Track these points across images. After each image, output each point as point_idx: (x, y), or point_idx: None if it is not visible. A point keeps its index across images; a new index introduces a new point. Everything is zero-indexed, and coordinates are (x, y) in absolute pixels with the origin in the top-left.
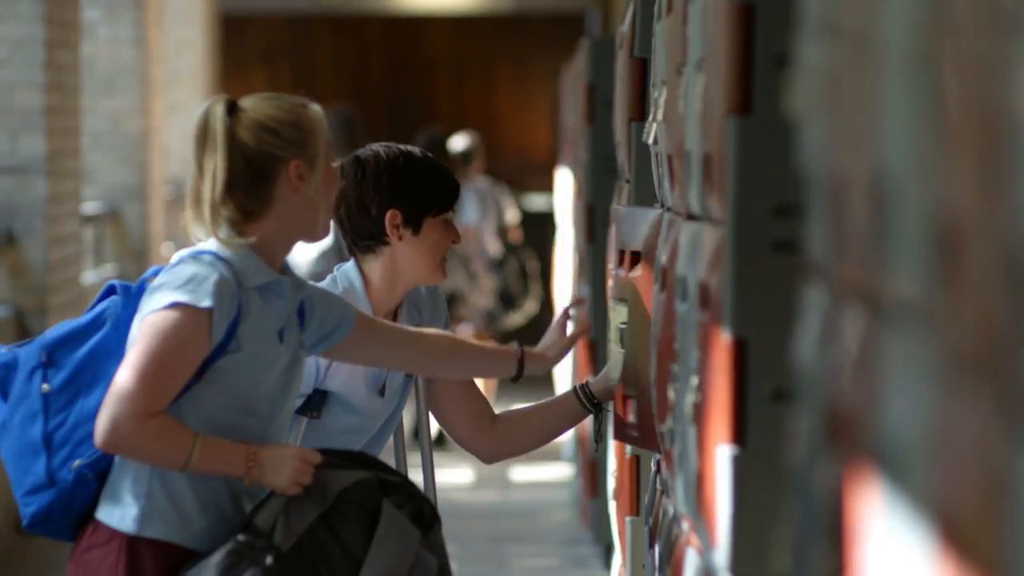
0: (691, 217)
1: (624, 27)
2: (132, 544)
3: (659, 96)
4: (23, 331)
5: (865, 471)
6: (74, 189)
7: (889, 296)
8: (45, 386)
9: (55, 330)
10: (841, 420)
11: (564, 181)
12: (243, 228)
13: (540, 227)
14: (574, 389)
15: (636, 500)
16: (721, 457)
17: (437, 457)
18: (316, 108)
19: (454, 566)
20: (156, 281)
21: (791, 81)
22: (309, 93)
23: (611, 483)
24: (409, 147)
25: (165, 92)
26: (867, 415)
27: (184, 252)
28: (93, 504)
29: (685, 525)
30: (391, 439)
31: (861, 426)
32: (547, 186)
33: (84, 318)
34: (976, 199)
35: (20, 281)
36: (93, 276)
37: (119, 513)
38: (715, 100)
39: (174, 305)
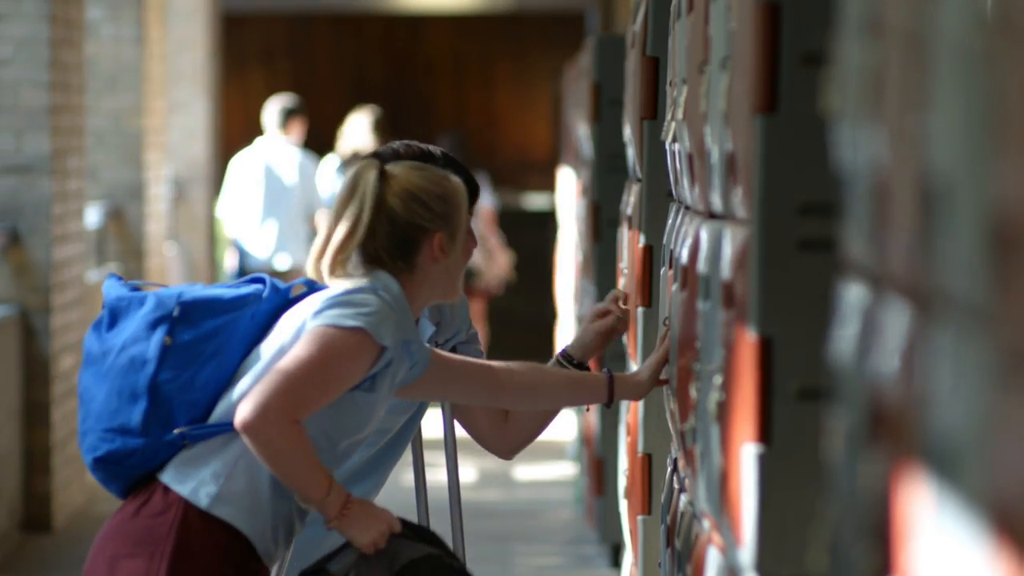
0: (713, 216)
1: (636, 26)
2: (192, 517)
3: (678, 95)
4: (28, 330)
5: (914, 470)
6: (79, 188)
7: (939, 294)
8: (168, 338)
9: (195, 290)
10: (886, 419)
11: (567, 180)
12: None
13: (540, 226)
14: (556, 361)
15: (648, 499)
16: (747, 456)
17: (440, 456)
18: (457, 180)
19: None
20: (331, 296)
21: (828, 79)
22: (308, 92)
23: (622, 482)
24: (432, 149)
25: (166, 91)
26: (916, 414)
27: (360, 282)
28: (159, 468)
29: (706, 523)
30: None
31: (909, 425)
32: (547, 185)
33: (227, 292)
34: None
35: (25, 280)
36: (96, 275)
37: (193, 485)
38: (740, 99)
39: (358, 330)
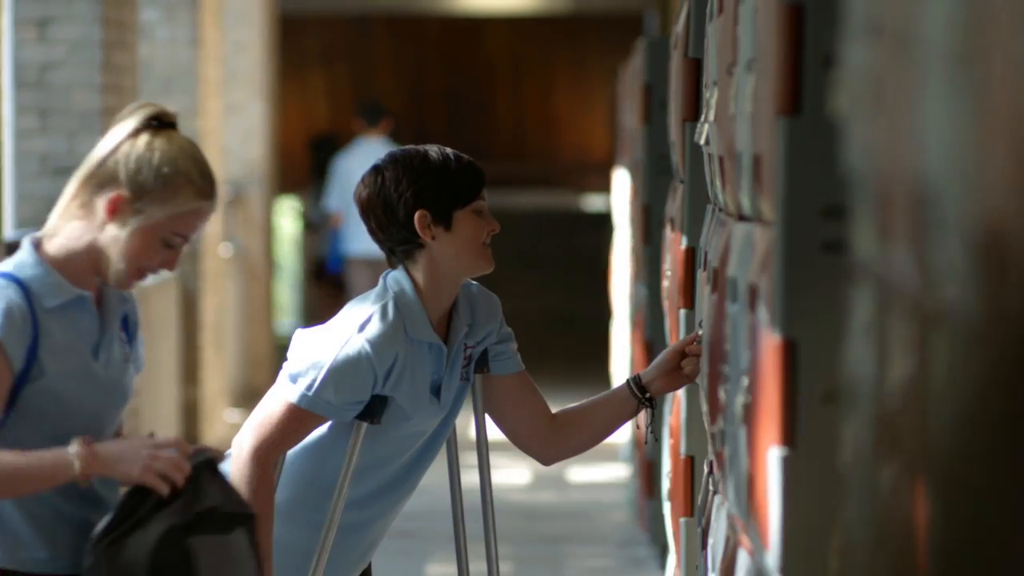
0: (742, 218)
1: (678, 27)
2: None
3: (711, 97)
4: None
5: (914, 475)
6: None
7: (933, 299)
8: None
9: None
10: (890, 423)
11: (622, 182)
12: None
13: (598, 228)
14: (627, 382)
15: (690, 501)
16: (771, 459)
17: (494, 457)
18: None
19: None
20: None
21: (836, 81)
22: (368, 94)
23: (665, 484)
24: (426, 146)
25: (222, 93)
26: (914, 418)
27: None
28: None
29: (737, 526)
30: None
31: (909, 429)
32: (605, 187)
33: None
34: (1019, 201)
35: None
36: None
37: None
38: (765, 101)
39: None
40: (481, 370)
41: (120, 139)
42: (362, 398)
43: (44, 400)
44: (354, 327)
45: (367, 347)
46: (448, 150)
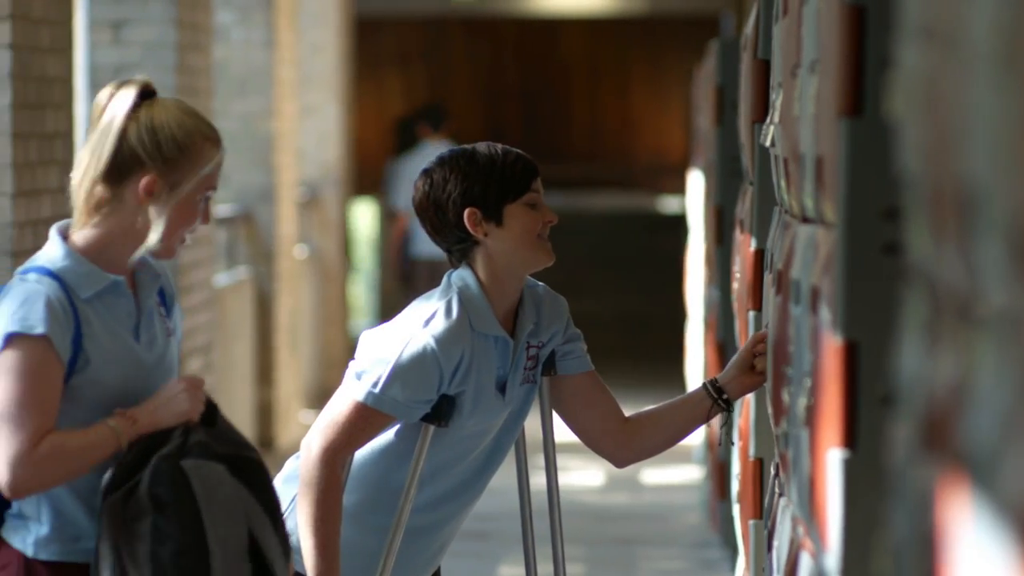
0: (806, 220)
1: (748, 29)
2: (30, 566)
3: (776, 98)
4: None
5: (955, 477)
6: None
7: (979, 301)
8: None
9: None
10: (935, 425)
11: (696, 183)
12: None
13: (674, 229)
14: (704, 385)
15: (759, 503)
16: (832, 461)
17: (568, 459)
18: (198, 128)
19: (583, 568)
20: None
21: (892, 83)
22: (443, 95)
23: (735, 486)
24: (475, 144)
25: (297, 94)
26: (958, 420)
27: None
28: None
29: (800, 528)
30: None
31: (952, 431)
32: (681, 188)
33: None
34: None
35: None
36: (226, 278)
37: (20, 536)
38: (827, 102)
39: (10, 338)
40: (548, 372)
41: (120, 125)
42: (429, 396)
43: (91, 388)
44: (419, 323)
45: (432, 343)
46: (497, 146)
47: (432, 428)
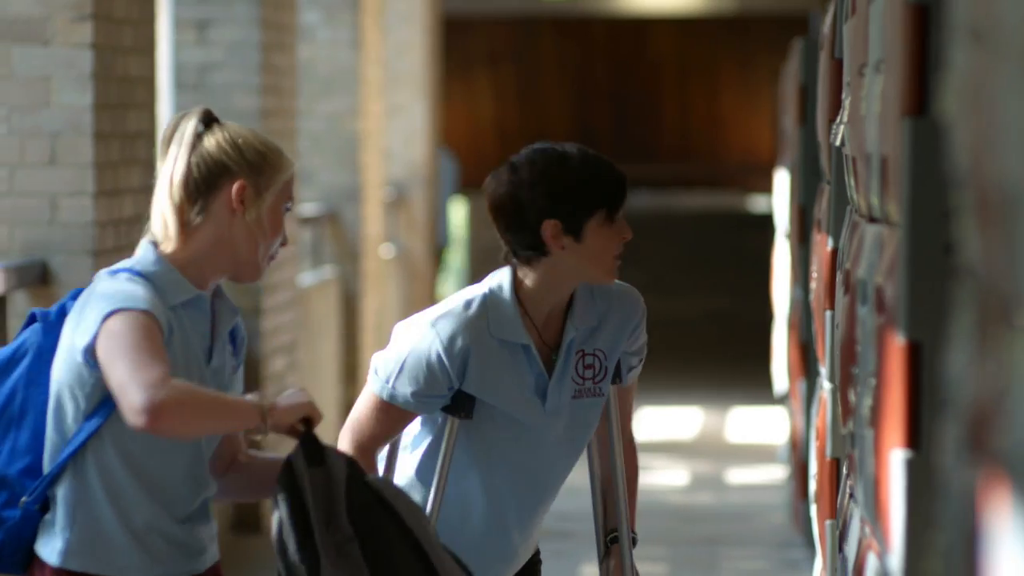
0: (872, 219)
1: (825, 28)
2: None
3: (846, 98)
4: None
5: (997, 478)
6: None
7: (1020, 303)
8: None
9: None
10: (978, 426)
11: (782, 183)
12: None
13: (762, 229)
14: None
15: (835, 503)
16: (895, 461)
17: (652, 459)
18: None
19: (666, 568)
20: (79, 304)
21: (944, 84)
22: (533, 95)
23: (812, 486)
24: (566, 146)
25: (383, 94)
26: (998, 422)
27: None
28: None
29: (867, 529)
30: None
31: (993, 433)
32: (770, 188)
33: (5, 350)
34: None
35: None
36: (311, 277)
37: (49, 546)
38: (891, 101)
39: (114, 313)
40: (615, 381)
41: (190, 142)
42: (438, 392)
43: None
44: (429, 320)
45: (436, 341)
46: (591, 154)
47: (457, 422)
